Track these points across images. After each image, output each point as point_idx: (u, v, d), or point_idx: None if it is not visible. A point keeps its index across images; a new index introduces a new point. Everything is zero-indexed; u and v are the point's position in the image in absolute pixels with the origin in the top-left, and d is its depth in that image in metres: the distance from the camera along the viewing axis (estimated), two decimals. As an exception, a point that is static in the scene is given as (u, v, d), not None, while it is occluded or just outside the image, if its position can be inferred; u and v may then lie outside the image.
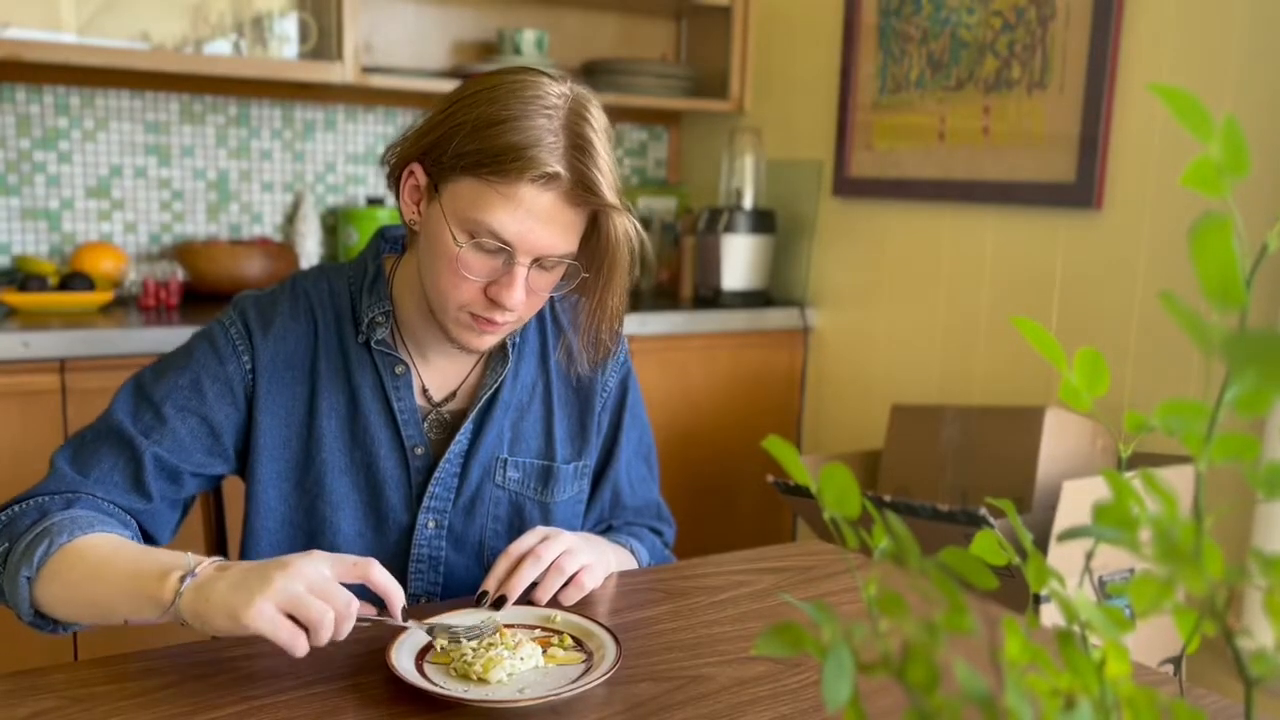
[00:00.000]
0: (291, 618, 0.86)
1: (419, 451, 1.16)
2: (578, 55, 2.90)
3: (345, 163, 2.70)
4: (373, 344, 1.15)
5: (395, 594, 0.93)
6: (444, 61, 2.75)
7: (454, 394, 1.20)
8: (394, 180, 1.12)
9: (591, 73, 2.82)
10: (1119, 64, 2.04)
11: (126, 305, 2.29)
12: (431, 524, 1.16)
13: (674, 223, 3.01)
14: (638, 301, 2.74)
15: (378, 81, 2.42)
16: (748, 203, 2.71)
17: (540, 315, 1.24)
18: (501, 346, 1.19)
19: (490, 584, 1.03)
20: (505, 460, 1.19)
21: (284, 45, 2.41)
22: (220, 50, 2.40)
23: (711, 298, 2.68)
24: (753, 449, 2.64)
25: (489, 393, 1.18)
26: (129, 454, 1.09)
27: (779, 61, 2.80)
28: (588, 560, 1.07)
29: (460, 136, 1.03)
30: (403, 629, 0.94)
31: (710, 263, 2.68)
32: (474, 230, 1.03)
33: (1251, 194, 1.78)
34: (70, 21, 2.30)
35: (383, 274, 1.18)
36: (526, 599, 1.04)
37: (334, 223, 2.69)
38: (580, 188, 1.03)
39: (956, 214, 2.37)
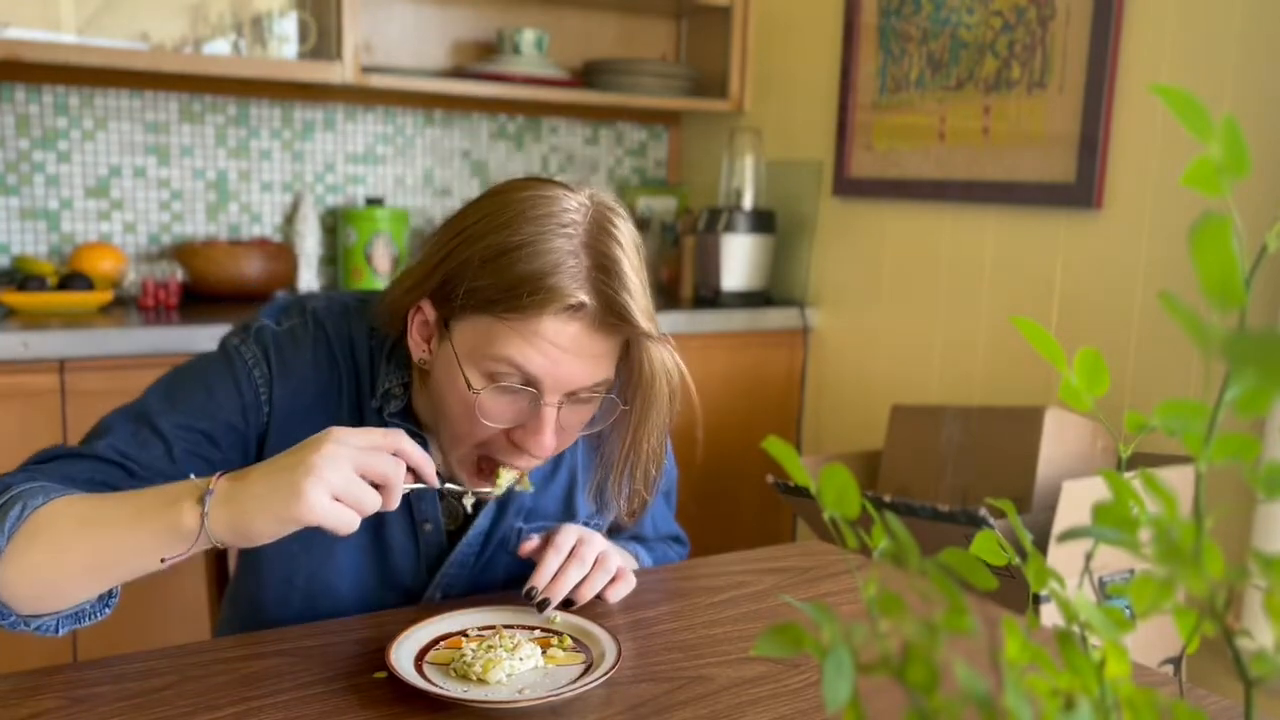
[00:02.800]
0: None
1: (428, 528, 1.08)
2: (578, 55, 2.90)
3: (345, 163, 2.70)
4: (386, 415, 1.05)
5: (427, 464, 0.88)
6: (444, 61, 2.75)
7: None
8: (398, 322, 1.02)
9: (591, 73, 2.82)
10: (1119, 64, 2.04)
11: (126, 305, 2.29)
12: (440, 595, 1.11)
13: (674, 223, 3.01)
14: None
15: (377, 81, 2.42)
16: (748, 203, 2.71)
17: None
18: None
19: (539, 580, 0.99)
20: (521, 530, 1.12)
21: (283, 45, 2.41)
22: (220, 50, 2.40)
23: (711, 298, 2.68)
24: (753, 449, 2.64)
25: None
26: (121, 480, 0.97)
27: (779, 61, 2.80)
28: (622, 562, 1.06)
29: (469, 272, 0.92)
30: (436, 491, 0.96)
31: (710, 263, 2.68)
32: (492, 370, 0.93)
33: (1251, 194, 1.78)
34: (70, 21, 2.30)
35: (403, 343, 1.05)
36: (565, 599, 1.02)
37: (333, 223, 2.69)
38: (610, 314, 0.91)
39: (956, 214, 2.37)
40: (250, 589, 1.12)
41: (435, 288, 0.96)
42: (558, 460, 1.14)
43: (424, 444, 1.08)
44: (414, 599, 1.11)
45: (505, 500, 1.10)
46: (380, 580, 1.09)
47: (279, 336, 1.05)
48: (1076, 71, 2.08)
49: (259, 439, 1.04)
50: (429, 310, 0.98)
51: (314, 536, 1.03)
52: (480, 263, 0.91)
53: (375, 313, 1.05)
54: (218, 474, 0.86)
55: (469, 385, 0.94)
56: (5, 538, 0.84)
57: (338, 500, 0.81)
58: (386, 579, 1.09)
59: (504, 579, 1.14)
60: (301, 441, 0.85)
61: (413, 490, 0.88)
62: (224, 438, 1.02)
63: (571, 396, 0.95)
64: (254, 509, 0.81)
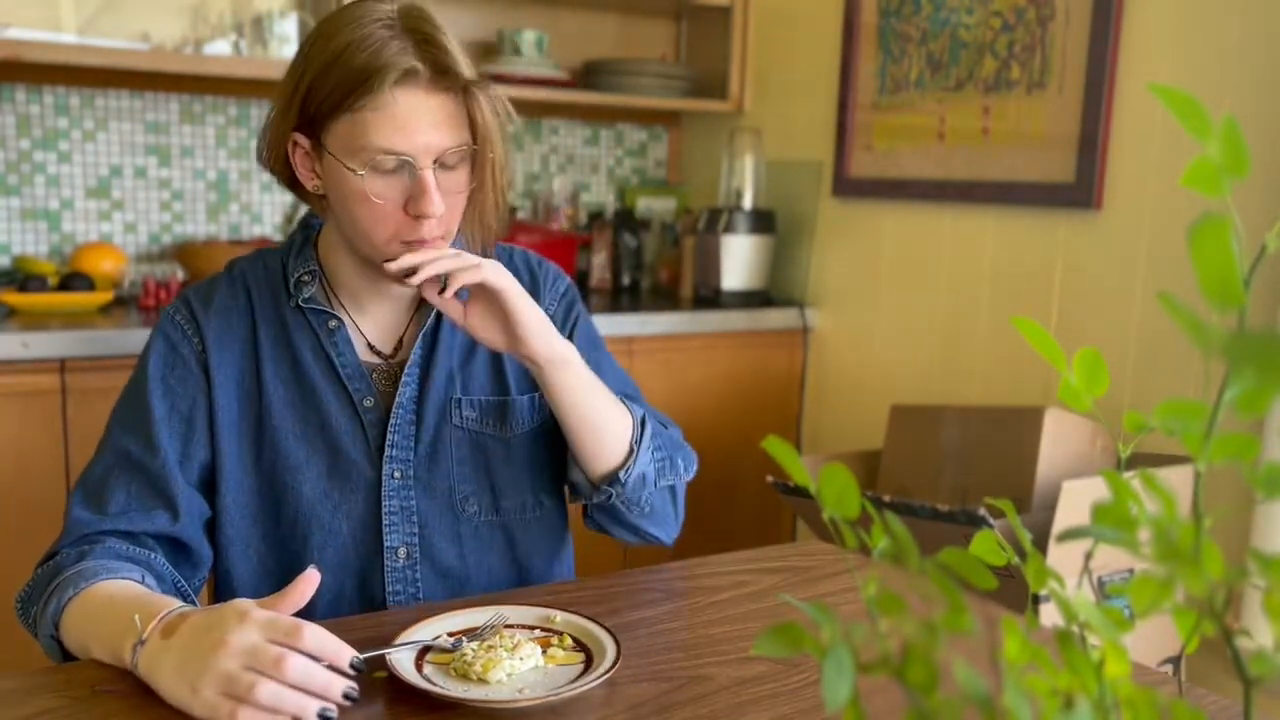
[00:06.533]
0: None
1: (368, 404, 1.16)
2: (578, 55, 2.90)
3: (345, 163, 2.70)
4: (302, 303, 1.16)
5: (338, 655, 0.83)
6: (444, 62, 2.75)
7: (400, 344, 1.21)
8: (282, 166, 1.13)
9: (591, 73, 2.82)
10: (1119, 64, 2.04)
11: (126, 305, 2.29)
12: (397, 474, 1.16)
13: (674, 223, 3.01)
14: (638, 301, 2.74)
15: (377, 82, 2.42)
16: (747, 203, 2.71)
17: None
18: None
19: (414, 259, 1.06)
20: (459, 400, 1.20)
21: (284, 45, 2.41)
22: (220, 50, 2.40)
23: (711, 298, 2.68)
24: (753, 449, 2.64)
25: (426, 330, 1.19)
26: (141, 473, 1.09)
27: (779, 61, 2.80)
28: (506, 279, 1.09)
29: (316, 86, 1.06)
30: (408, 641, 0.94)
31: (710, 263, 2.68)
32: (366, 158, 1.05)
33: (1251, 194, 1.79)
34: (70, 22, 2.30)
35: (310, 241, 1.21)
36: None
37: (334, 223, 2.69)
38: (442, 76, 1.06)
39: (956, 214, 2.37)
40: (226, 564, 1.16)
41: (298, 118, 1.08)
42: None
43: (341, 325, 1.17)
44: (376, 489, 1.16)
45: (429, 365, 1.19)
46: (339, 476, 1.15)
47: (197, 288, 1.20)
48: (1076, 72, 2.09)
49: (203, 367, 1.15)
50: (303, 140, 1.10)
51: (270, 459, 1.14)
52: (321, 75, 1.05)
53: (261, 157, 1.15)
54: (158, 619, 0.86)
55: (355, 173, 1.05)
56: (54, 627, 0.97)
57: (225, 694, 0.80)
58: (343, 471, 1.15)
59: (466, 462, 1.19)
60: (210, 620, 0.84)
61: (363, 667, 0.85)
62: (176, 383, 1.14)
63: (440, 162, 1.07)
64: (166, 691, 0.83)
